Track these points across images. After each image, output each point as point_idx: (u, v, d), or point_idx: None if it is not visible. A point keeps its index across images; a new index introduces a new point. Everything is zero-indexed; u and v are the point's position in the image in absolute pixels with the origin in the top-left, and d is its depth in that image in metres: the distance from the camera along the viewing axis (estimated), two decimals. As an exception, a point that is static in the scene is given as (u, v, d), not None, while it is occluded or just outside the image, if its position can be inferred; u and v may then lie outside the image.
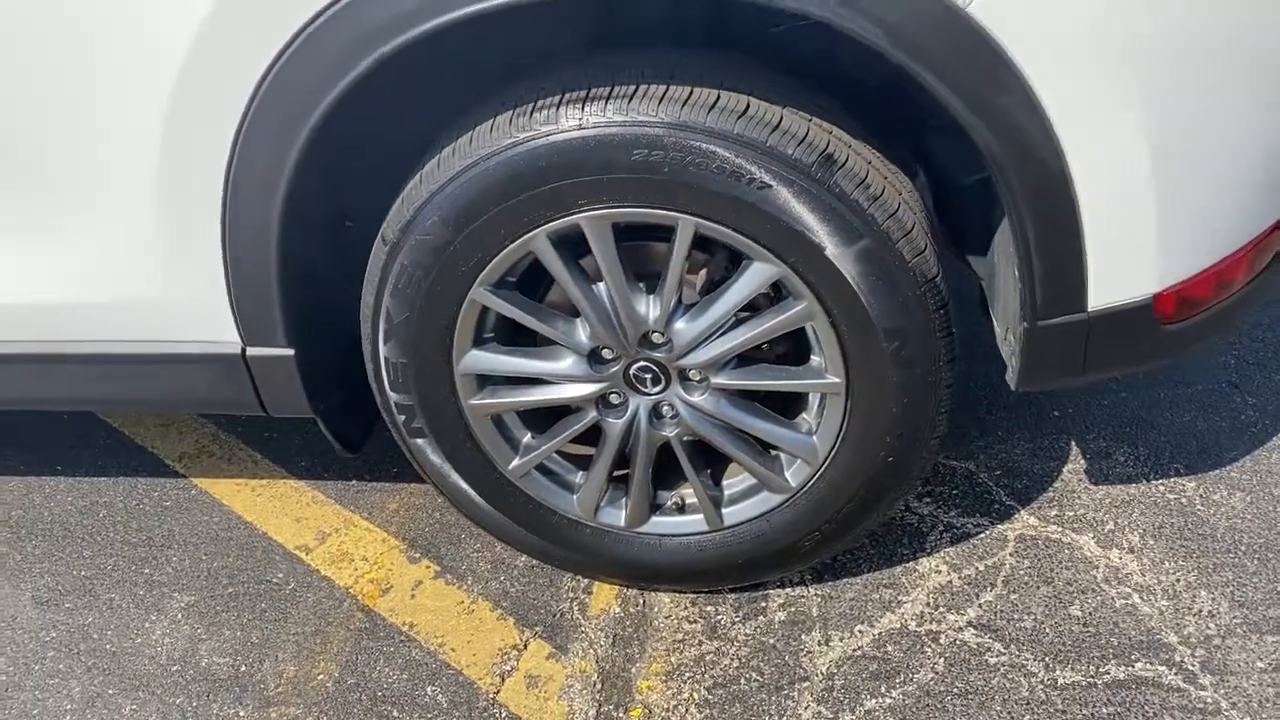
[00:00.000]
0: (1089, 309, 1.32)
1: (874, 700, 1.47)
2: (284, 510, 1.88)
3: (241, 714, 1.53)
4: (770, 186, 1.25)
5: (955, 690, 1.47)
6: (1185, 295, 1.34)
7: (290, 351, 1.48)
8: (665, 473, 1.57)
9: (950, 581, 1.62)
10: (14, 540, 1.86)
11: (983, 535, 1.70)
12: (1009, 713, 1.44)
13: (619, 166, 1.27)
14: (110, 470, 1.99)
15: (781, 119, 1.26)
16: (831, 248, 1.28)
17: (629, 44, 1.39)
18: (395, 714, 1.51)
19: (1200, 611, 1.55)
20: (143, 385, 1.57)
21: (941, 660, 1.51)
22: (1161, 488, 1.76)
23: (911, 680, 1.49)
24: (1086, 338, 1.34)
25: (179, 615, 1.69)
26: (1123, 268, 1.29)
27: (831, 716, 1.45)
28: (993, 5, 1.13)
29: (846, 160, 1.27)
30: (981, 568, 1.64)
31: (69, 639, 1.67)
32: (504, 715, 1.50)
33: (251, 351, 1.49)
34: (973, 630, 1.55)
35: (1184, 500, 1.73)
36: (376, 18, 1.21)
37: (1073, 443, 1.85)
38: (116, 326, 1.51)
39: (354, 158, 1.48)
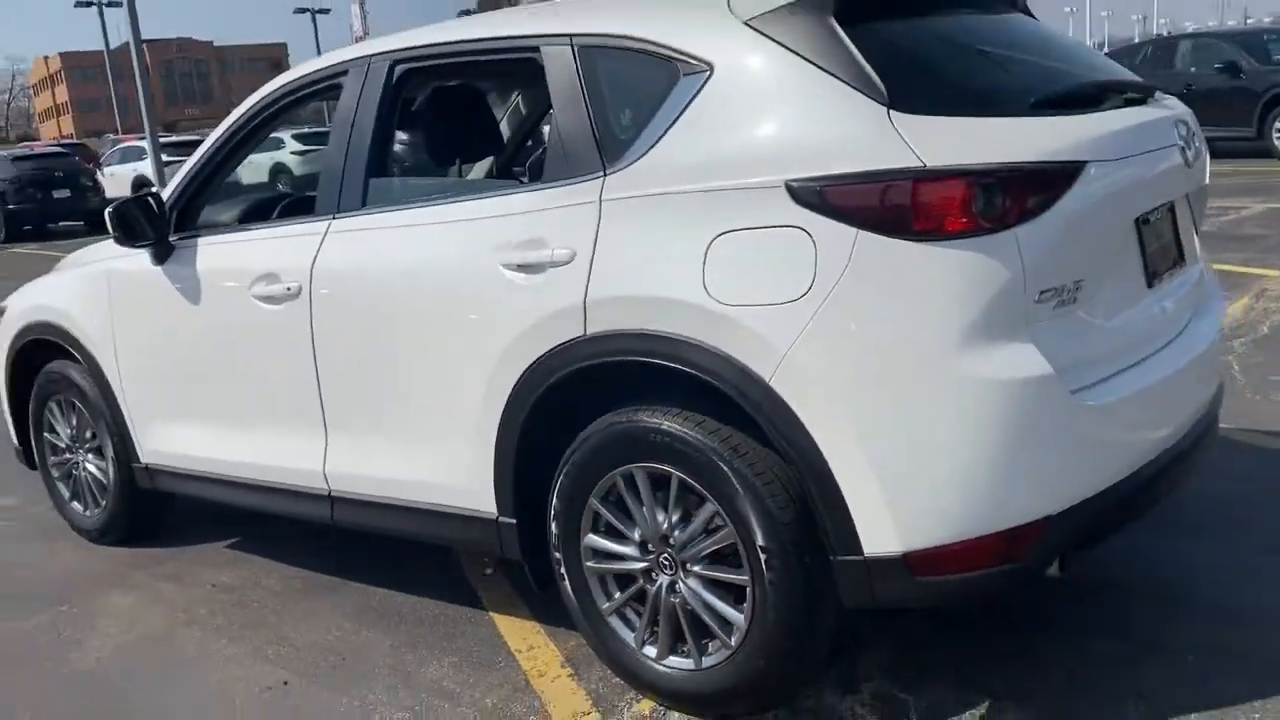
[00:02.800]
0: (865, 554, 2.35)
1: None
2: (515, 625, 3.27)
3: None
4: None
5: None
6: (928, 559, 2.32)
7: (514, 521, 2.93)
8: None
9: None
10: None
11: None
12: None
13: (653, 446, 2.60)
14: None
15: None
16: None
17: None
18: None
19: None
20: (442, 528, 3.09)
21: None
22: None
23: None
24: (869, 573, 2.36)
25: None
26: (878, 529, 2.33)
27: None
28: (781, 378, 2.33)
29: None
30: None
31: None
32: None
33: (502, 519, 2.95)
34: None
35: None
36: (556, 365, 2.70)
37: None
38: (440, 493, 3.06)
39: (560, 418, 2.87)
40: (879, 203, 2.26)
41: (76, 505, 4.41)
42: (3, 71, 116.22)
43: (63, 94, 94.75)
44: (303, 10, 44.09)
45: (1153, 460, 2.57)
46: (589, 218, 2.63)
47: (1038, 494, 2.33)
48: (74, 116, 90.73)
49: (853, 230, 2.27)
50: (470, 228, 2.89)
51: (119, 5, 36.63)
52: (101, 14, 34.75)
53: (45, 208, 20.25)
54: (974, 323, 2.24)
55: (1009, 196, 2.25)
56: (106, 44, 36.90)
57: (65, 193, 20.30)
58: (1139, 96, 2.79)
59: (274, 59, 66.39)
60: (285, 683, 3.09)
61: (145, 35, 22.44)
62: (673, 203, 2.51)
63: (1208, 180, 3.04)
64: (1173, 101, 2.94)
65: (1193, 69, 15.48)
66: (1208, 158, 3.02)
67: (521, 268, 2.72)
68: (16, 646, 3.49)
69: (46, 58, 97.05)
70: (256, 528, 4.22)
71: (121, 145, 25.94)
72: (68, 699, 3.14)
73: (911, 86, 2.37)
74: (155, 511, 4.28)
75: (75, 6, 35.88)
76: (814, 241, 2.30)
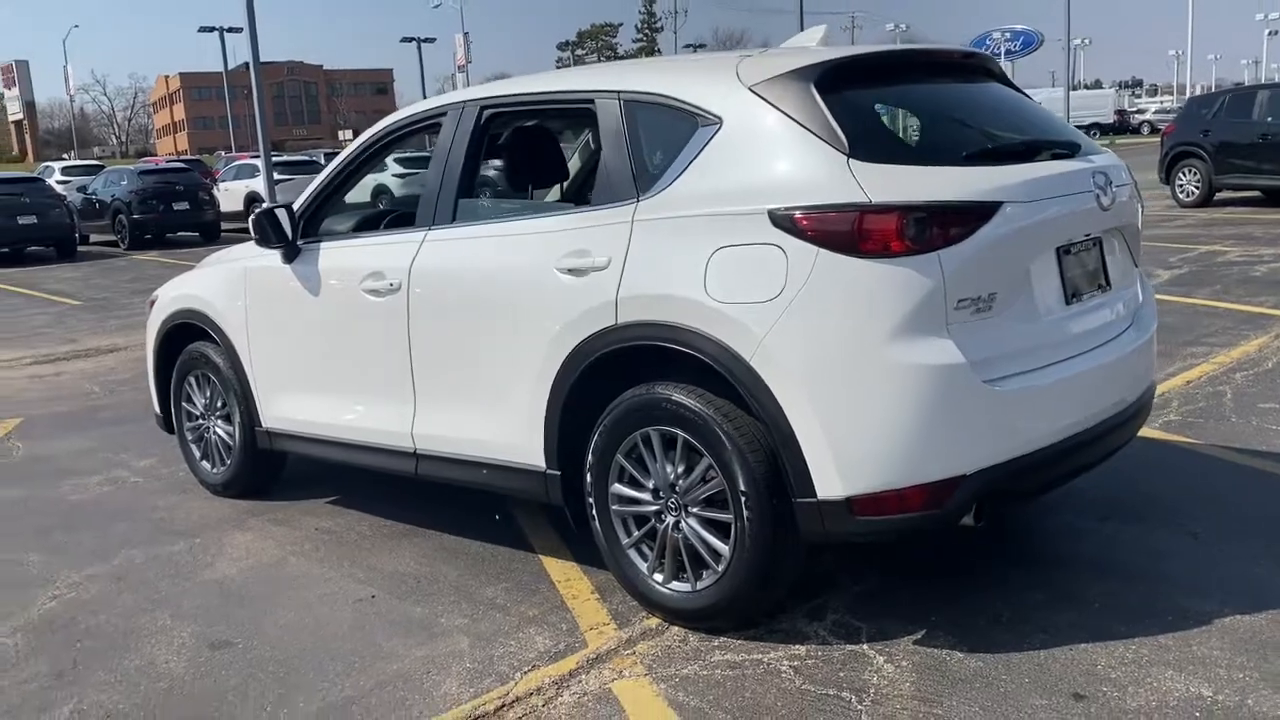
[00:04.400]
0: (818, 497, 3.05)
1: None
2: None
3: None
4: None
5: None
6: (865, 502, 3.01)
7: (559, 473, 3.68)
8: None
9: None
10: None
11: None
12: (779, 694, 3.04)
13: (665, 413, 3.34)
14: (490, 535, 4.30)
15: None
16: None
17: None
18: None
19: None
20: (502, 479, 3.86)
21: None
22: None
23: (751, 676, 3.16)
24: (820, 513, 3.06)
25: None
26: (828, 478, 3.03)
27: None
28: (759, 359, 3.04)
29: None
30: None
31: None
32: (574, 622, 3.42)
33: (548, 470, 3.71)
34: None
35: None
36: (595, 348, 3.45)
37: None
38: (502, 450, 3.83)
39: (595, 391, 3.61)
40: (834, 228, 2.98)
41: (205, 464, 5.29)
42: (125, 89, 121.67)
43: (180, 112, 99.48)
44: (409, 39, 46.19)
45: (1064, 439, 3.23)
46: (623, 234, 3.39)
47: (954, 456, 3.02)
48: (189, 133, 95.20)
49: (815, 249, 3.00)
50: (535, 240, 3.67)
51: (239, 31, 38.85)
52: (222, 39, 36.86)
53: (165, 219, 21.69)
54: (903, 321, 2.95)
55: (934, 226, 2.95)
56: (226, 66, 38.99)
57: (184, 205, 21.73)
58: (1064, 152, 3.46)
59: (380, 83, 69.06)
60: (373, 596, 3.89)
61: (263, 58, 23.96)
62: (686, 224, 3.26)
63: (1136, 221, 3.70)
64: (1102, 156, 3.61)
65: (1269, 119, 15.73)
66: (1137, 203, 3.68)
67: (571, 271, 3.49)
68: (162, 564, 4.35)
69: (167, 77, 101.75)
70: (353, 487, 5.06)
71: (236, 162, 27.57)
72: (203, 598, 3.97)
73: (869, 141, 3.10)
74: (270, 470, 5.13)
75: (199, 31, 38.08)
76: (786, 256, 3.03)
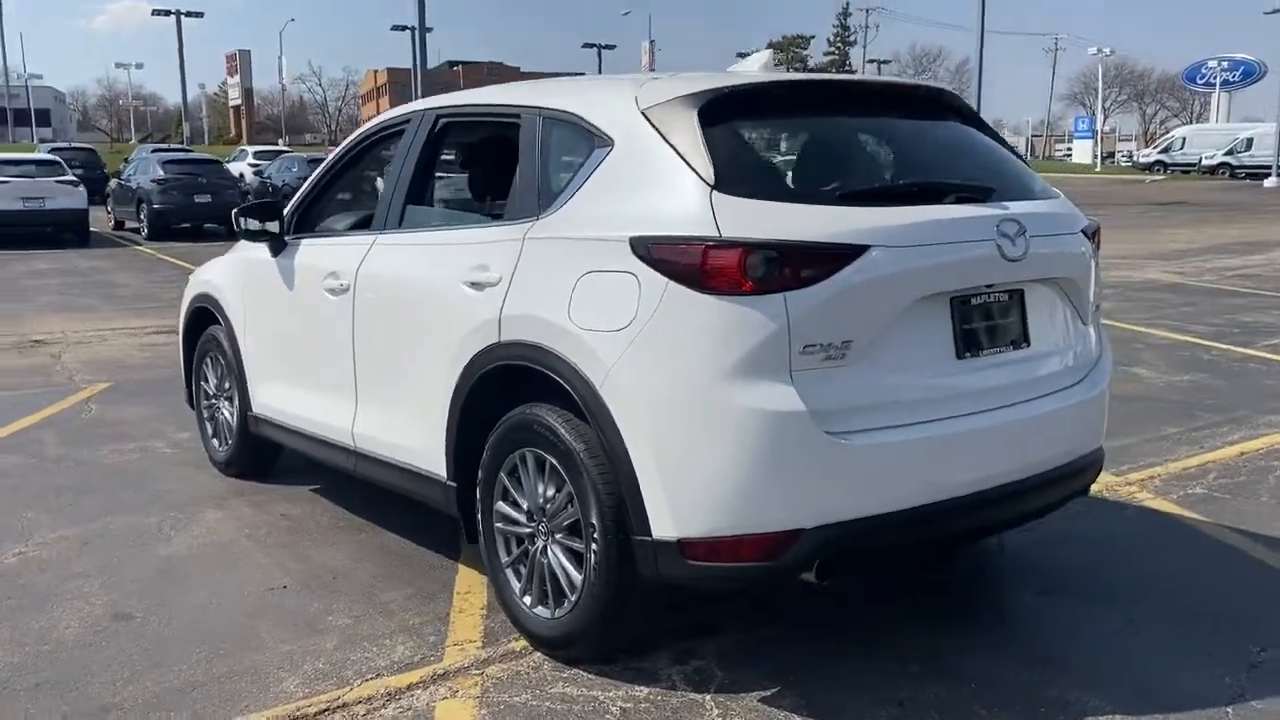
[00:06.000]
0: (653, 536, 2.94)
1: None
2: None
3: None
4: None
5: None
6: (697, 547, 2.88)
7: (455, 485, 3.68)
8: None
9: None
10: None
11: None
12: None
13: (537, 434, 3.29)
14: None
15: None
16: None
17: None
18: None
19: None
20: (415, 485, 3.88)
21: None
22: None
23: (583, 712, 3.07)
24: (655, 552, 2.95)
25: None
26: (662, 518, 2.91)
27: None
28: (607, 389, 2.96)
29: None
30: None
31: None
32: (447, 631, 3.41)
33: (449, 482, 3.72)
34: (630, 712, 3.06)
35: None
36: (482, 363, 3.44)
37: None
38: (417, 457, 3.85)
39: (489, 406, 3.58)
40: (682, 261, 2.87)
41: (214, 441, 5.54)
42: (339, 80, 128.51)
43: (385, 105, 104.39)
44: (589, 45, 47.30)
45: (941, 500, 3.01)
46: (515, 251, 3.37)
47: (792, 508, 2.86)
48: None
49: (665, 280, 2.90)
50: (453, 250, 3.69)
51: (430, 31, 40.46)
52: (414, 37, 38.44)
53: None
54: (742, 362, 2.81)
55: (784, 267, 2.80)
56: (415, 64, 40.70)
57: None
58: (972, 196, 3.22)
59: (570, 87, 71.36)
60: (284, 586, 3.99)
61: (463, 58, 24.74)
62: (566, 246, 3.21)
63: (1082, 274, 3.41)
64: (1031, 203, 3.33)
65: None
66: (1085, 255, 3.40)
67: (474, 285, 3.49)
68: (128, 533, 4.58)
69: (375, 71, 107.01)
70: (340, 476, 5.20)
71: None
72: (141, 571, 4.16)
73: (739, 174, 2.97)
74: (265, 453, 5.32)
75: (391, 30, 39.82)
76: (640, 286, 2.94)
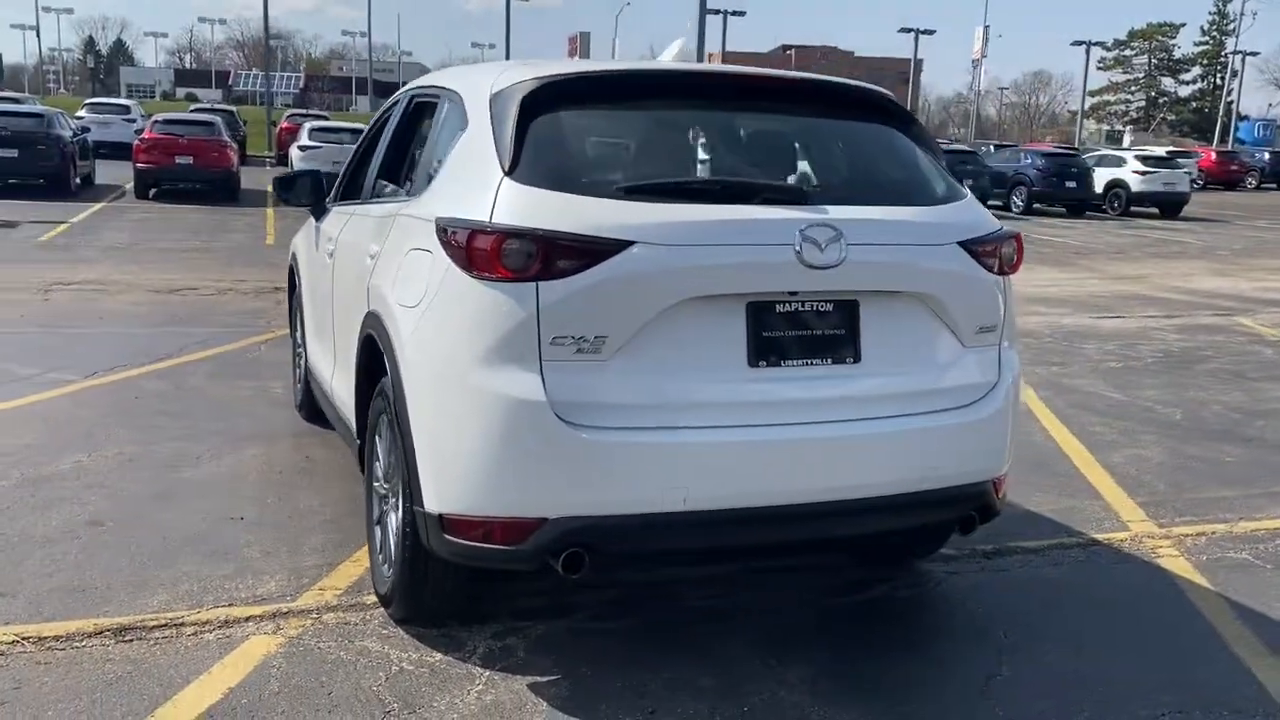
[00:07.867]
0: (425, 508, 3.02)
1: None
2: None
3: (289, 563, 3.98)
4: None
5: (373, 677, 3.17)
6: (453, 523, 2.93)
7: (359, 442, 3.91)
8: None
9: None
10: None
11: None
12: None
13: (385, 400, 3.46)
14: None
15: None
16: None
17: None
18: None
19: (462, 726, 2.92)
20: (349, 440, 4.15)
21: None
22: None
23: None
24: (426, 524, 3.03)
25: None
26: (429, 492, 2.99)
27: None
28: (402, 363, 3.07)
29: None
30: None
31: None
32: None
33: (356, 440, 3.96)
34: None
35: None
36: (360, 328, 3.64)
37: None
38: (348, 412, 4.12)
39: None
40: (456, 243, 2.93)
41: (298, 386, 6.12)
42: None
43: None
44: (906, 30, 46.67)
45: (704, 512, 2.89)
46: (388, 228, 3.54)
47: (537, 497, 2.86)
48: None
49: (447, 261, 2.97)
50: (371, 223, 3.93)
51: (741, 14, 40.88)
52: (725, 21, 39.04)
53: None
54: (493, 347, 2.84)
55: (536, 256, 2.80)
56: (723, 48, 41.27)
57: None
58: (786, 198, 3.01)
59: (900, 71, 69.04)
60: (242, 518, 4.40)
61: (797, 42, 25.02)
62: (411, 224, 3.35)
63: (935, 290, 3.11)
64: (859, 212, 3.06)
65: None
66: (956, 270, 3.11)
67: (370, 257, 3.70)
68: (172, 459, 5.18)
69: (710, 54, 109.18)
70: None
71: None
72: (148, 489, 4.72)
73: (535, 163, 2.97)
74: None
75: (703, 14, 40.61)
76: (432, 264, 3.03)
